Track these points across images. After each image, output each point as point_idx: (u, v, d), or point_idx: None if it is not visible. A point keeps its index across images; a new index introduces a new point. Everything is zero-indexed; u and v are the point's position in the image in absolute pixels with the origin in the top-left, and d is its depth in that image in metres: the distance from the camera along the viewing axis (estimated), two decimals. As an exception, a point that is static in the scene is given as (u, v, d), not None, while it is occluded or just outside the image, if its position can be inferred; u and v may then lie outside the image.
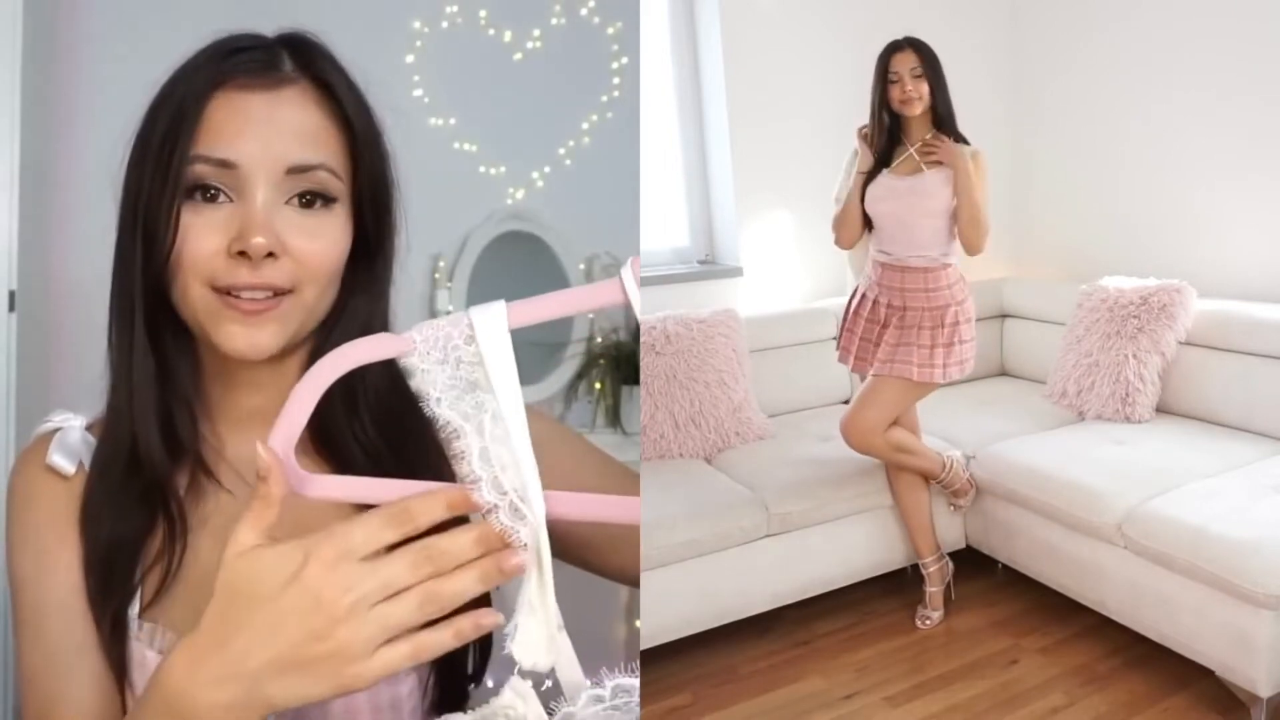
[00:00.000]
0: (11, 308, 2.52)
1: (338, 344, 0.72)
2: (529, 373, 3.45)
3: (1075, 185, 3.48)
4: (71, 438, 0.84)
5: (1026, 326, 3.37)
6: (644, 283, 2.96)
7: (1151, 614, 2.15)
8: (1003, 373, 3.44)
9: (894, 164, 2.33)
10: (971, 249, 2.31)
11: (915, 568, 2.61)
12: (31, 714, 0.79)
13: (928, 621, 2.52)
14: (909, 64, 2.25)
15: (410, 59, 2.87)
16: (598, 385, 2.86)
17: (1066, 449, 2.54)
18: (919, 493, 2.52)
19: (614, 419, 2.81)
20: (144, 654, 0.78)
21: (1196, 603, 2.02)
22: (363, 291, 0.84)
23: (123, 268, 0.81)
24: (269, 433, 0.64)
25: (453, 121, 2.88)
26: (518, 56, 2.95)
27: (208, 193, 0.75)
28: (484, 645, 0.87)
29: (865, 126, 2.37)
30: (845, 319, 2.55)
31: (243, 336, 0.75)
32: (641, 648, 2.32)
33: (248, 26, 0.85)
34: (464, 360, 0.66)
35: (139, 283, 0.78)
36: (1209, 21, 2.91)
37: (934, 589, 2.55)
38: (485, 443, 0.65)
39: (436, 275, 2.80)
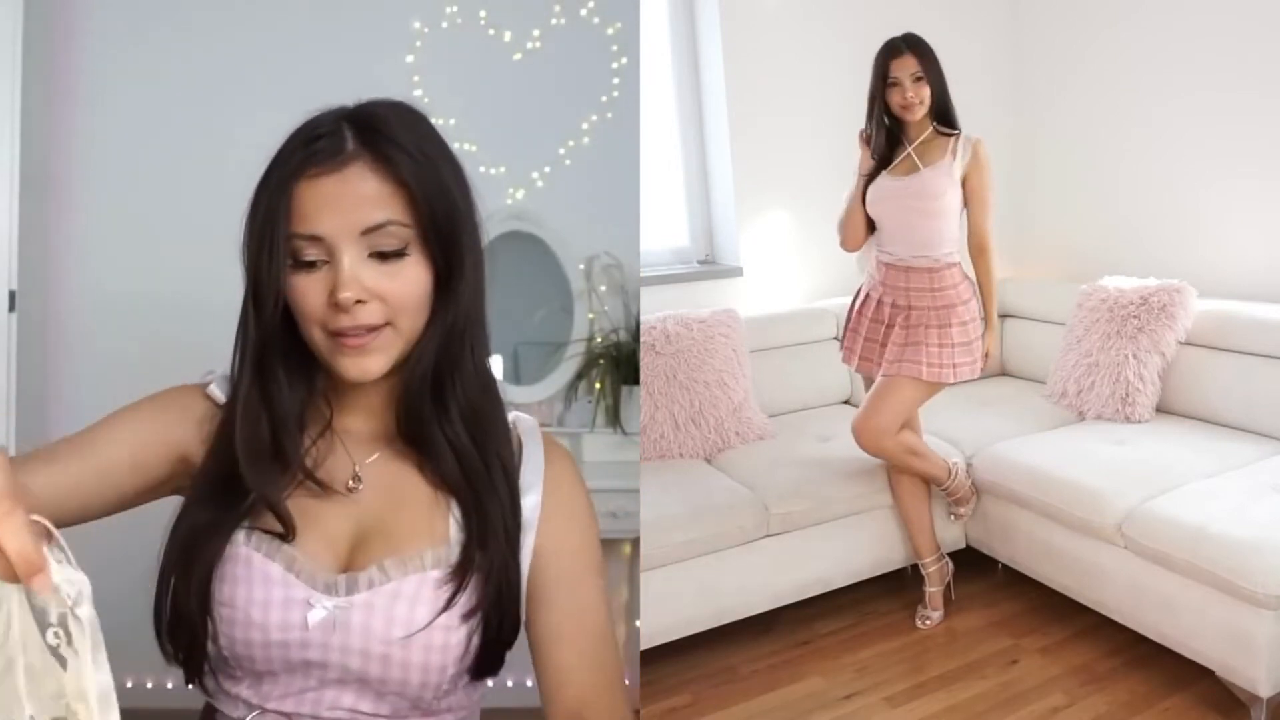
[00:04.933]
0: (12, 308, 2.52)
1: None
2: (530, 373, 3.39)
3: (1075, 185, 3.48)
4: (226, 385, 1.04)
5: (1026, 326, 3.36)
6: (644, 283, 2.98)
7: (1151, 614, 2.15)
8: (1003, 373, 3.44)
9: (893, 164, 2.33)
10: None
11: (915, 568, 2.61)
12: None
13: (928, 621, 2.52)
14: (909, 69, 2.24)
15: (410, 59, 2.88)
16: (598, 385, 2.86)
17: (1066, 449, 2.54)
18: (920, 493, 2.52)
19: (614, 419, 2.81)
20: (250, 554, 0.95)
21: (1196, 603, 2.02)
22: (442, 310, 0.99)
23: (243, 322, 0.98)
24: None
25: (453, 122, 2.87)
26: (517, 56, 2.95)
27: (308, 261, 0.94)
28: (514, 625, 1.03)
29: (865, 130, 2.36)
30: (849, 319, 2.55)
31: (354, 366, 0.95)
32: (641, 648, 2.32)
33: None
34: None
35: (254, 334, 0.97)
36: (1209, 21, 2.91)
37: (934, 589, 2.55)
38: None
39: None
